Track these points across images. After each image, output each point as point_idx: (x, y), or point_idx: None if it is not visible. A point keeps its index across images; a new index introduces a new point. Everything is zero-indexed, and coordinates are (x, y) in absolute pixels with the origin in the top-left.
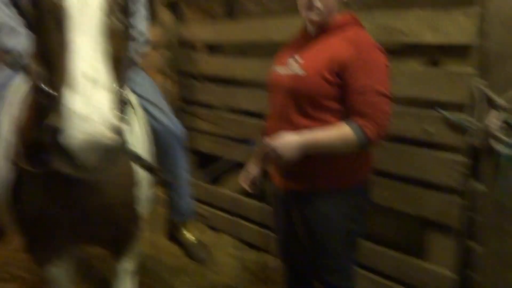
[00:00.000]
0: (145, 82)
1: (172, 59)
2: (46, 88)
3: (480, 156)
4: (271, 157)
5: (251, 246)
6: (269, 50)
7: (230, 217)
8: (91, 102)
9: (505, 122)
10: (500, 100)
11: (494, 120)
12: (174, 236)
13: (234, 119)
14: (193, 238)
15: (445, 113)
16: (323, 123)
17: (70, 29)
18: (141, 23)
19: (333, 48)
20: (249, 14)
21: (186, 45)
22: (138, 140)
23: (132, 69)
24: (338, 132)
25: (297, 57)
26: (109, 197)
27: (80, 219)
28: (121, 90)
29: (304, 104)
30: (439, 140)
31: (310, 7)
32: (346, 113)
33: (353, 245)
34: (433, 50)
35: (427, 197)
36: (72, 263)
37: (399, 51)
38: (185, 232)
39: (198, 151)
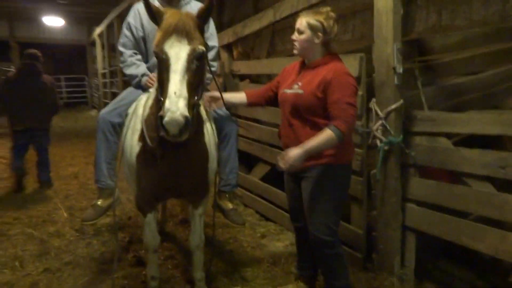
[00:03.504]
0: None
1: (224, 85)
2: (160, 97)
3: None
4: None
5: (266, 218)
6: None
7: (253, 196)
8: (176, 104)
9: (383, 125)
10: (380, 113)
11: (377, 125)
12: (217, 202)
13: (257, 127)
14: (232, 206)
15: None
16: (314, 124)
17: (170, 70)
18: (212, 60)
19: (320, 75)
20: (282, 52)
21: (233, 75)
22: (208, 129)
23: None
24: (323, 136)
25: (298, 82)
26: (192, 166)
27: (174, 180)
28: (196, 99)
29: (302, 112)
30: None
31: (292, 44)
32: (326, 117)
33: (340, 208)
34: None
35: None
36: (158, 211)
37: None
38: (227, 200)
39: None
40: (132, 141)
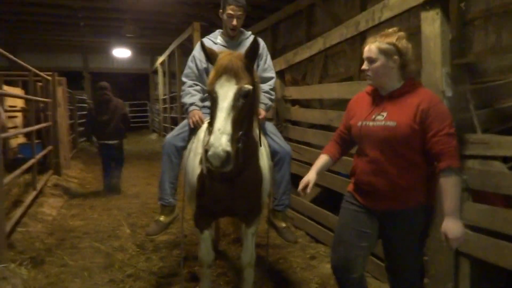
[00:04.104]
0: (269, 123)
1: (277, 109)
2: (209, 130)
3: None
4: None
5: (316, 240)
6: (327, 104)
7: (303, 218)
8: (219, 140)
9: None
10: None
11: None
12: (271, 221)
13: (308, 149)
14: (285, 224)
15: None
16: (410, 161)
17: (217, 108)
18: (270, 89)
19: (413, 105)
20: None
21: (285, 100)
22: (263, 154)
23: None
24: (453, 187)
25: (381, 113)
26: (247, 188)
27: (230, 200)
28: (242, 132)
29: (397, 147)
30: None
31: (366, 75)
32: (423, 152)
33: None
34: None
35: None
36: (213, 228)
37: None
38: (280, 219)
39: None
40: (194, 163)
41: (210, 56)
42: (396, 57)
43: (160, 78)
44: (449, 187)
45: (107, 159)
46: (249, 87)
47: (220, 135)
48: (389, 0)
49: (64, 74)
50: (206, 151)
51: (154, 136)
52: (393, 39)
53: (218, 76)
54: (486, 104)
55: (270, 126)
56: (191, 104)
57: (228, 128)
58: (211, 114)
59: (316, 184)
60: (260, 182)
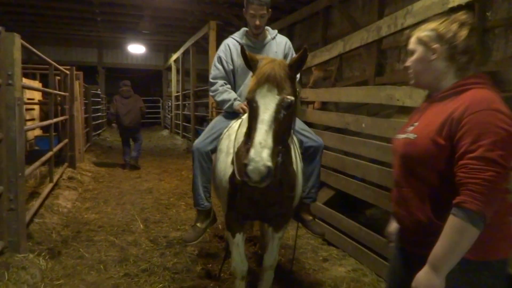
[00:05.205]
0: (296, 119)
1: None
2: (248, 142)
3: None
4: None
5: (329, 243)
6: (343, 107)
7: (317, 220)
8: (260, 154)
9: None
10: None
11: None
12: (298, 214)
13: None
14: (311, 217)
15: None
16: (433, 188)
17: (258, 119)
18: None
19: (446, 112)
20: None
21: (301, 102)
22: (296, 155)
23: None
24: (450, 230)
25: (415, 123)
26: (281, 195)
27: (263, 203)
28: (282, 143)
29: (417, 167)
30: None
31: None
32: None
33: None
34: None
35: None
36: (245, 232)
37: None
38: (307, 212)
39: None
40: (225, 164)
41: (250, 62)
42: (436, 45)
43: (173, 75)
44: (447, 230)
45: (126, 140)
46: (291, 98)
47: (261, 149)
48: (413, 6)
49: (79, 68)
50: (245, 165)
51: (165, 132)
52: (436, 24)
53: (259, 85)
54: None
55: (298, 122)
56: (236, 99)
57: (270, 141)
58: (249, 124)
59: (329, 187)
60: (293, 187)
